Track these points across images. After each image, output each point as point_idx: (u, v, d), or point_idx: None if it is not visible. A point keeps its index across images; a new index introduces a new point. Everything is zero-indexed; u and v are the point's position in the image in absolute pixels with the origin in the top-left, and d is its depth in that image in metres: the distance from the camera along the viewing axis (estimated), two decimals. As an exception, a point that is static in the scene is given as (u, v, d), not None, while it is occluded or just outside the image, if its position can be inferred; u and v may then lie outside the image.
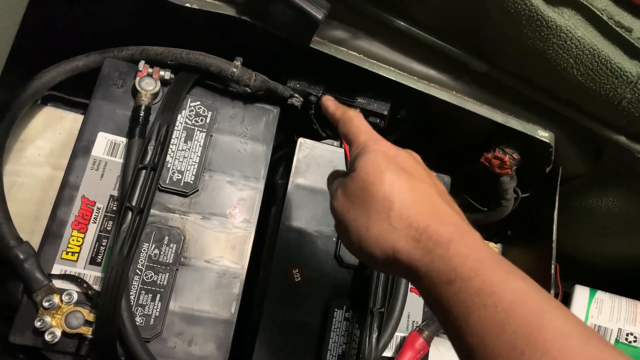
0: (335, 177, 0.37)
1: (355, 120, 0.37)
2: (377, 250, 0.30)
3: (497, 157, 0.52)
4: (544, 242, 0.54)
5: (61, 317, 0.41)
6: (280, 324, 0.49)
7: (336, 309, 0.50)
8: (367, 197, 0.31)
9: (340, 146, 0.54)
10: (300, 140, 0.53)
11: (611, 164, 0.52)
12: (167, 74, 0.48)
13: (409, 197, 0.30)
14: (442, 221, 0.29)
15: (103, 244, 0.45)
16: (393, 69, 0.49)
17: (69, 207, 0.45)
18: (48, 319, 0.40)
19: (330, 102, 0.40)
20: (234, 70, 0.48)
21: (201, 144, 0.49)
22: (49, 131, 0.50)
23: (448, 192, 0.55)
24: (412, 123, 0.56)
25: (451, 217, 0.30)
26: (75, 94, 0.52)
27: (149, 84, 0.48)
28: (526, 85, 0.47)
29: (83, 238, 0.44)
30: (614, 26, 0.41)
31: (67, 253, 0.44)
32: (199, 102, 0.50)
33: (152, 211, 0.46)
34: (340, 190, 0.34)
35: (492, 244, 0.60)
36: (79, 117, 0.50)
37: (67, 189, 0.45)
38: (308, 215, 0.52)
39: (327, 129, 0.56)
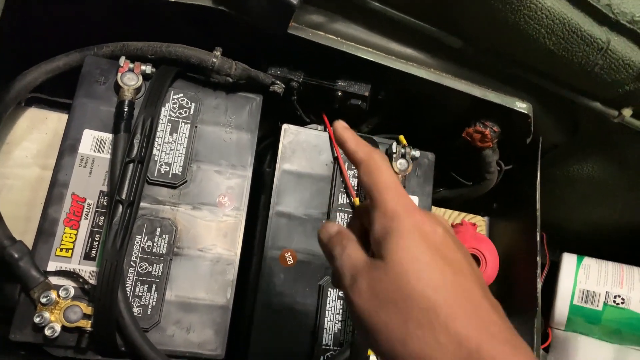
0: (346, 248, 0.30)
1: (383, 172, 0.30)
2: None
3: (478, 131, 0.53)
4: (528, 213, 0.56)
5: (59, 312, 0.42)
6: (276, 307, 0.50)
7: (329, 289, 0.51)
8: (403, 300, 0.26)
9: (325, 130, 0.55)
10: (285, 126, 0.53)
11: (589, 132, 0.53)
12: (148, 68, 0.49)
13: (456, 302, 0.25)
14: (495, 337, 0.24)
15: (96, 239, 0.45)
16: (371, 50, 0.50)
17: (59, 205, 0.45)
18: (47, 314, 0.41)
19: (348, 135, 0.33)
20: (214, 60, 0.49)
21: (187, 136, 0.50)
22: (35, 132, 0.50)
23: (432, 171, 0.56)
24: (394, 103, 0.57)
25: (502, 330, 0.25)
26: (58, 94, 0.53)
27: (131, 79, 0.48)
28: (501, 59, 0.48)
29: (76, 234, 0.45)
30: (581, -6, 0.42)
31: (61, 250, 0.44)
32: (181, 94, 0.50)
33: (143, 204, 0.47)
34: (364, 283, 0.27)
35: (478, 218, 0.62)
36: (64, 117, 0.50)
37: (56, 187, 0.46)
38: (296, 200, 0.52)
39: (310, 114, 0.56)
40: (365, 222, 0.31)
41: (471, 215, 0.61)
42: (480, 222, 0.62)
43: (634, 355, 0.61)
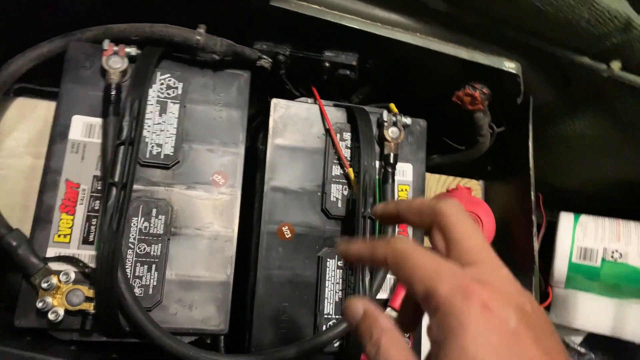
0: (381, 348, 0.25)
1: (408, 260, 0.26)
2: None
3: (467, 94, 0.52)
4: (522, 173, 0.56)
5: (62, 297, 0.42)
6: (276, 280, 0.50)
7: (328, 259, 0.51)
8: None
9: (315, 103, 0.55)
10: (274, 101, 0.53)
11: (579, 88, 0.53)
12: (133, 50, 0.49)
13: None
14: None
15: (93, 223, 0.46)
16: (356, 17, 0.49)
17: (54, 192, 0.45)
18: (49, 299, 0.42)
19: (355, 249, 0.30)
20: (199, 38, 0.48)
21: (176, 116, 0.49)
22: (25, 122, 0.50)
23: (425, 138, 0.56)
24: (382, 71, 0.57)
25: None
26: (47, 83, 0.52)
27: (116, 62, 0.48)
28: (486, 19, 0.48)
29: (72, 220, 0.45)
30: (564, -53, 0.42)
31: (58, 236, 0.45)
32: (168, 75, 0.50)
33: (137, 186, 0.47)
34: None
35: (473, 181, 0.62)
36: (52, 104, 0.50)
37: (49, 174, 0.46)
38: (291, 174, 0.53)
39: (299, 88, 0.56)
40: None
41: (466, 180, 0.61)
42: (476, 186, 0.62)
43: (633, 308, 0.61)
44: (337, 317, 0.50)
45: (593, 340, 0.68)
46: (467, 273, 0.25)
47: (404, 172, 0.56)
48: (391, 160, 0.53)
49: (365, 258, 0.29)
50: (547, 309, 0.68)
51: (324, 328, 0.49)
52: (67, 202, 0.45)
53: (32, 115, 0.51)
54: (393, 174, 0.53)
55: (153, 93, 0.49)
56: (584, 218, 0.65)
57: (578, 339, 0.67)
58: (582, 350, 0.68)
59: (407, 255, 0.27)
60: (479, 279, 0.25)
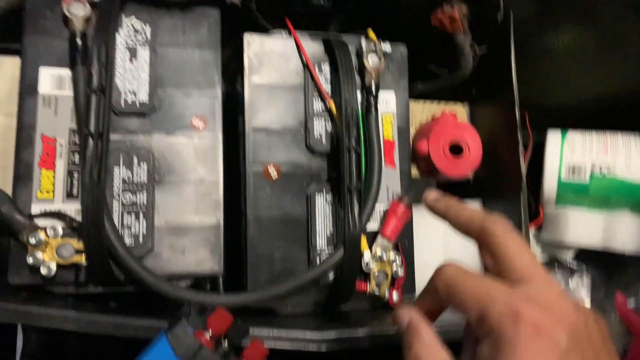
0: (415, 344, 0.28)
1: (490, 253, 0.29)
2: None
3: (446, 14, 0.51)
4: (506, 93, 0.55)
5: (52, 251, 0.42)
6: (267, 220, 0.50)
7: (317, 195, 0.51)
8: None
9: (290, 36, 0.53)
10: (247, 36, 0.51)
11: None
12: (94, -5, 0.46)
13: None
14: None
15: (75, 177, 0.45)
16: (323, -59, 0.47)
17: (31, 149, 0.45)
18: (39, 254, 0.42)
19: (443, 206, 0.34)
20: (161, -25, 0.46)
21: (147, 61, 0.48)
22: (-8, 80, 0.49)
23: (406, 64, 0.55)
24: (357, -3, 0.55)
25: None
26: (7, 40, 0.50)
27: (78, 9, 0.46)
28: None
29: (53, 175, 0.45)
30: None
31: (41, 192, 0.44)
32: (135, 18, 0.48)
33: (115, 137, 0.46)
34: None
35: (458, 105, 0.61)
36: (18, 60, 0.48)
37: (24, 131, 0.45)
38: (272, 112, 0.52)
39: (273, 21, 0.54)
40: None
41: (451, 104, 0.60)
42: (461, 110, 0.61)
43: (622, 220, 0.62)
44: (329, 249, 0.50)
45: (585, 255, 0.69)
46: (517, 293, 0.26)
47: (387, 102, 0.55)
48: (373, 90, 0.52)
49: (456, 221, 0.32)
50: (539, 228, 0.69)
51: (318, 262, 0.50)
52: (45, 157, 0.45)
53: (-1, 73, 0.49)
54: (376, 104, 0.52)
55: (121, 39, 0.47)
56: (572, 134, 0.65)
57: (570, 255, 0.68)
58: (575, 265, 0.70)
59: (456, 282, 0.28)
60: (529, 298, 0.25)
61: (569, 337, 0.24)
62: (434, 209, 0.36)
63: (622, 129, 0.64)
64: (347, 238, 0.47)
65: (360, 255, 0.49)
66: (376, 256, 0.50)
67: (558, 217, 0.65)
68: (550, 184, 0.64)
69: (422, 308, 0.32)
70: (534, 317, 0.24)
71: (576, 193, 0.64)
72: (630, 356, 0.51)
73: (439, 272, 0.30)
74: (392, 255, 0.50)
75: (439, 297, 0.30)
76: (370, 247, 0.50)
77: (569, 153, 0.63)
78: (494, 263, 0.29)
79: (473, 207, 0.34)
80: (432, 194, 0.36)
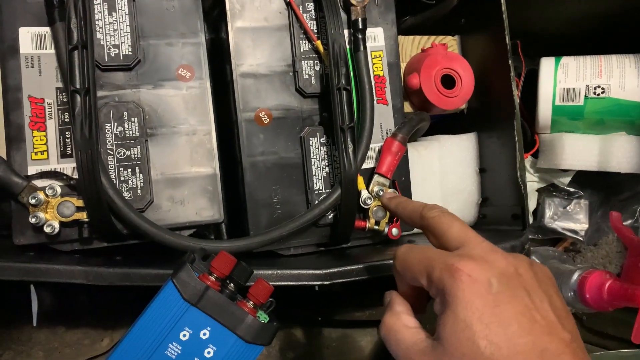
0: (394, 327, 0.32)
1: (432, 231, 0.35)
2: None
3: (429, -60, 0.49)
4: (496, 19, 0.54)
5: (53, 210, 0.43)
6: (262, 166, 0.50)
7: (311, 138, 0.51)
8: None
9: (271, -23, 0.51)
10: (227, -20, 0.50)
11: None
12: (65, -53, 0.45)
13: None
14: None
15: (67, 136, 0.45)
16: None
17: (19, 110, 0.44)
18: (41, 214, 0.42)
19: (394, 204, 0.42)
20: None
21: (126, 12, 0.47)
22: (-28, 44, 0.48)
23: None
24: None
25: None
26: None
27: (49, -37, 0.44)
28: None
29: (45, 136, 0.45)
30: None
31: (35, 154, 0.44)
32: (108, -32, 0.47)
33: (103, 92, 0.46)
34: None
35: (449, 37, 0.60)
36: (-5, 21, 0.47)
37: (10, 93, 0.44)
38: (258, 57, 0.51)
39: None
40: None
41: (441, 37, 0.59)
42: (451, 42, 0.60)
43: (617, 141, 0.62)
44: (327, 190, 0.51)
45: (582, 178, 0.70)
46: (453, 254, 0.31)
47: (376, 37, 0.54)
48: (360, 26, 0.51)
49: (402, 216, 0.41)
50: (535, 156, 0.69)
51: (316, 203, 0.50)
52: (35, 118, 0.45)
53: (-22, 37, 0.48)
54: (364, 41, 0.51)
55: (97, -9, 0.46)
56: (565, 59, 0.64)
57: (567, 179, 0.69)
58: (572, 189, 0.71)
59: (405, 257, 0.33)
60: (462, 256, 0.30)
61: (498, 280, 0.28)
62: (388, 207, 0.45)
63: (616, 52, 0.63)
64: (343, 177, 0.48)
65: (358, 193, 0.49)
66: (373, 193, 0.50)
67: (554, 143, 0.65)
68: (544, 109, 0.64)
69: (401, 293, 0.36)
70: (467, 269, 0.28)
71: (571, 116, 0.63)
72: (626, 266, 0.53)
73: (394, 255, 0.35)
74: (390, 191, 0.51)
75: (401, 277, 0.35)
76: (367, 186, 0.51)
77: (563, 77, 0.63)
78: (435, 239, 0.35)
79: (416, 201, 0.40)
80: (387, 194, 0.45)
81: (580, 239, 0.72)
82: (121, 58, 0.46)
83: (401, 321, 0.32)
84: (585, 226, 0.71)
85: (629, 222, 0.69)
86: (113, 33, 0.46)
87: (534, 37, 0.66)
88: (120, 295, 0.54)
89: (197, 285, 0.35)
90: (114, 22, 0.46)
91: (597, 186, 0.71)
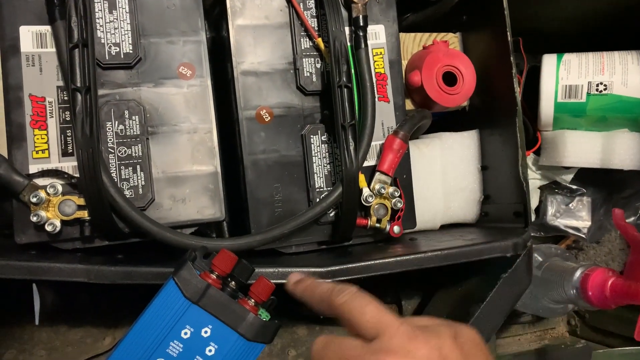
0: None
1: (345, 316, 0.31)
2: None
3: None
4: (498, 16, 0.53)
5: (54, 208, 0.43)
6: (264, 164, 0.50)
7: (312, 135, 0.51)
8: None
9: (271, -25, 0.51)
10: (227, -23, 0.50)
11: None
12: (65, -54, 0.45)
13: None
14: None
15: (68, 134, 0.45)
16: None
17: (20, 109, 0.44)
18: (42, 212, 0.42)
19: (300, 289, 0.36)
20: None
21: (127, 10, 0.47)
22: (-28, 43, 0.48)
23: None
24: None
25: None
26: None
27: (49, -39, 0.44)
28: None
29: (47, 134, 0.45)
30: None
31: (37, 152, 0.44)
32: (109, -33, 0.47)
33: (104, 90, 0.46)
34: None
35: (450, 35, 0.59)
36: (-4, 20, 0.47)
37: (11, 92, 0.44)
38: (259, 55, 0.51)
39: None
40: None
41: (443, 34, 0.59)
42: (453, 39, 0.60)
43: (619, 137, 0.62)
44: (328, 189, 0.51)
45: (584, 175, 0.70)
46: (370, 350, 0.29)
47: (377, 35, 0.54)
48: (361, 23, 0.51)
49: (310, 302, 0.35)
50: (537, 152, 0.69)
51: (317, 201, 0.50)
52: (36, 117, 0.45)
53: (-21, 35, 0.48)
54: (365, 38, 0.51)
55: (97, -11, 0.46)
56: (567, 56, 0.64)
57: (569, 177, 0.69)
58: (574, 187, 0.70)
59: (320, 355, 0.31)
60: (381, 351, 0.28)
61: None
62: (294, 293, 0.37)
63: (618, 49, 0.63)
64: (344, 175, 0.48)
65: (359, 191, 0.49)
66: (375, 190, 0.50)
67: (556, 140, 0.65)
68: (546, 107, 0.64)
69: None
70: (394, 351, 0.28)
71: (573, 113, 0.63)
72: (630, 262, 0.52)
73: (311, 349, 0.32)
74: (390, 189, 0.51)
75: None
76: (368, 184, 0.51)
77: (565, 74, 0.63)
78: (349, 328, 0.32)
79: (326, 283, 0.36)
80: (292, 277, 0.38)
81: (583, 236, 0.71)
82: (122, 56, 0.46)
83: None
84: (588, 224, 0.71)
85: (631, 219, 0.69)
86: (114, 31, 0.46)
87: (536, 34, 0.66)
88: (122, 294, 0.54)
89: (199, 283, 0.35)
90: (115, 20, 0.46)
91: (600, 183, 0.71)
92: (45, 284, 0.55)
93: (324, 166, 0.51)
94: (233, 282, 0.37)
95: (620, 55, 0.62)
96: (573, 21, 0.65)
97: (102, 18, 0.46)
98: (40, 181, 0.44)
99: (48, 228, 0.42)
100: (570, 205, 0.70)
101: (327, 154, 0.52)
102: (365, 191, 0.50)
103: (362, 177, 0.50)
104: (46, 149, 0.45)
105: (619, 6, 0.62)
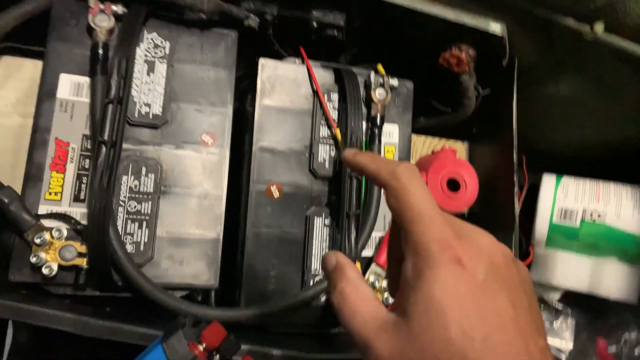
0: (339, 279, 0.27)
1: (411, 196, 0.26)
2: None
3: (454, 56, 0.53)
4: (506, 135, 0.57)
5: (55, 252, 0.43)
6: (265, 238, 0.51)
7: (316, 217, 0.53)
8: None
9: (303, 63, 0.55)
10: (262, 60, 0.53)
11: (563, 50, 0.53)
12: (119, 9, 0.48)
13: None
14: None
15: (83, 181, 0.46)
16: (343, -23, 0.49)
17: (44, 151, 0.46)
18: (42, 254, 0.43)
19: (362, 159, 0.30)
20: (185, -4, 0.48)
21: (164, 75, 0.50)
22: (11, 81, 0.50)
23: (411, 99, 0.57)
24: (369, 32, 0.57)
25: None
26: (31, 42, 0.52)
27: (102, 20, 0.48)
28: (473, -22, 0.48)
29: (63, 178, 0.46)
30: None
31: (50, 194, 0.45)
32: (155, 34, 0.50)
33: (127, 146, 0.48)
34: (386, 348, 0.24)
35: (459, 143, 0.63)
36: (39, 63, 0.50)
37: (39, 133, 0.46)
38: (279, 134, 0.53)
39: (287, 48, 0.56)
40: (398, 253, 0.28)
41: (451, 141, 0.62)
42: (461, 147, 0.63)
43: (609, 266, 0.64)
44: (323, 273, 0.52)
45: (571, 297, 0.71)
46: (449, 224, 0.26)
47: (391, 134, 0.57)
48: (378, 122, 0.54)
49: (369, 172, 0.29)
50: (528, 267, 0.70)
51: (311, 283, 0.51)
52: (57, 160, 0.46)
53: (19, 74, 0.51)
54: (379, 135, 0.54)
55: (140, 52, 0.49)
56: (566, 179, 0.67)
57: (556, 296, 0.70)
58: (560, 307, 0.71)
59: (408, 193, 0.26)
60: (459, 233, 0.25)
61: (486, 270, 0.24)
62: (351, 163, 0.32)
63: (615, 179, 0.66)
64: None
65: (354, 280, 0.50)
66: (368, 282, 0.51)
67: (547, 258, 0.67)
68: (541, 225, 0.66)
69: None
70: (459, 252, 0.24)
71: (566, 236, 0.65)
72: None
73: (397, 171, 0.27)
74: (384, 282, 0.52)
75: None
76: (363, 274, 0.51)
77: (562, 197, 0.65)
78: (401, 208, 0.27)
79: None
80: (351, 150, 0.32)
81: (563, 358, 0.71)
82: (151, 117, 0.48)
83: (359, 291, 0.27)
84: (570, 345, 0.71)
85: (613, 348, 0.69)
86: (147, 92, 0.49)
87: (538, 153, 0.69)
88: (102, 344, 0.53)
89: (186, 353, 0.35)
90: (151, 82, 0.49)
91: (586, 307, 0.72)
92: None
93: (323, 249, 0.52)
94: (218, 356, 0.37)
95: (616, 187, 0.65)
96: (575, 146, 0.69)
97: (139, 79, 0.49)
98: (46, 222, 0.44)
99: (45, 271, 0.43)
100: (554, 324, 0.71)
101: (327, 237, 0.53)
102: (359, 281, 0.51)
103: (358, 266, 0.51)
104: (59, 192, 0.46)
105: (619, 140, 0.66)
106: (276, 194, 0.53)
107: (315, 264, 0.52)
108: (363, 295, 0.27)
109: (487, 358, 0.22)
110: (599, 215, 0.64)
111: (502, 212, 0.57)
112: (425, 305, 0.23)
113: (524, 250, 0.70)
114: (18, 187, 0.45)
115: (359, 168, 0.30)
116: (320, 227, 0.53)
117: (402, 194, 0.26)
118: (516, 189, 0.54)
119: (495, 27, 0.51)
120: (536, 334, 0.24)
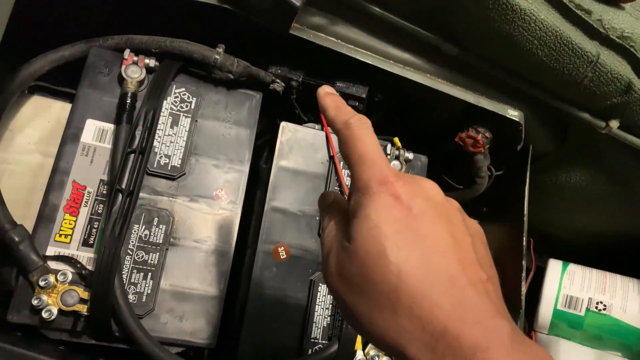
0: (328, 213, 0.30)
1: (358, 142, 0.28)
2: (384, 347, 0.25)
3: (470, 137, 0.54)
4: (516, 218, 0.57)
5: (57, 296, 0.43)
6: (268, 299, 0.51)
7: (320, 284, 0.52)
8: (366, 284, 0.24)
9: (322, 130, 0.56)
10: (283, 124, 0.55)
11: (577, 141, 0.55)
12: (152, 62, 0.50)
13: (423, 283, 0.23)
14: (465, 319, 0.22)
15: (95, 226, 0.46)
16: (369, 53, 0.51)
17: (60, 192, 0.46)
18: (44, 297, 0.42)
19: (328, 101, 0.32)
20: (217, 57, 0.50)
21: (187, 129, 0.51)
22: (38, 120, 0.51)
23: (425, 173, 0.58)
24: (389, 106, 0.59)
25: (478, 310, 0.23)
26: (62, 84, 0.54)
27: (134, 72, 0.49)
28: (495, 67, 0.50)
29: (75, 221, 0.46)
30: (574, 9, 0.44)
31: (60, 236, 0.46)
32: (183, 89, 0.52)
33: (141, 194, 0.48)
34: (333, 264, 0.27)
35: (468, 221, 0.63)
36: (67, 106, 0.51)
37: (57, 174, 0.47)
38: (292, 196, 0.54)
39: (308, 113, 0.58)
40: None
41: (461, 218, 0.62)
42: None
43: (613, 360, 0.63)
44: (323, 342, 0.51)
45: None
46: (389, 167, 0.28)
47: (402, 205, 0.57)
48: (390, 193, 0.54)
49: (328, 116, 0.32)
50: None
51: (310, 352, 0.50)
52: (71, 202, 0.46)
53: (46, 114, 0.52)
54: (391, 206, 0.54)
55: (167, 105, 0.50)
56: (572, 267, 0.66)
57: (556, 386, 0.68)
58: (560, 397, 0.69)
59: (356, 139, 0.29)
60: (398, 175, 0.27)
61: (422, 204, 0.26)
62: (319, 101, 0.33)
63: (622, 272, 0.66)
64: (343, 333, 0.48)
65: (354, 353, 0.49)
66: (368, 356, 0.50)
67: (549, 346, 0.65)
68: (545, 311, 0.65)
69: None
70: (397, 188, 0.26)
71: (570, 324, 0.64)
72: None
73: (351, 121, 0.30)
74: (384, 359, 0.50)
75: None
76: (363, 347, 0.50)
77: (568, 284, 0.65)
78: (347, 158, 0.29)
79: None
80: (326, 88, 0.34)
81: None
82: (169, 168, 0.49)
83: (335, 212, 0.30)
84: None
85: None
86: (169, 144, 0.50)
87: (546, 237, 0.69)
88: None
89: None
90: (173, 135, 0.50)
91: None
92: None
93: (325, 317, 0.52)
94: None
95: (622, 280, 0.65)
96: (583, 234, 0.69)
97: (162, 130, 0.50)
98: (52, 264, 0.44)
99: (44, 315, 0.42)
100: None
101: (330, 305, 0.52)
102: (359, 354, 0.50)
103: (359, 339, 0.50)
104: (69, 235, 0.46)
105: (631, 233, 0.66)
106: (283, 256, 0.52)
107: (316, 332, 0.51)
108: (337, 218, 0.29)
109: (422, 274, 0.23)
110: (605, 307, 0.63)
111: (508, 296, 0.56)
112: (361, 224, 0.25)
113: (526, 335, 0.68)
114: (29, 225, 0.46)
115: (322, 109, 0.32)
116: (324, 294, 0.52)
117: (350, 140, 0.29)
118: (524, 274, 0.54)
119: (513, 114, 0.52)
120: (477, 267, 0.25)
